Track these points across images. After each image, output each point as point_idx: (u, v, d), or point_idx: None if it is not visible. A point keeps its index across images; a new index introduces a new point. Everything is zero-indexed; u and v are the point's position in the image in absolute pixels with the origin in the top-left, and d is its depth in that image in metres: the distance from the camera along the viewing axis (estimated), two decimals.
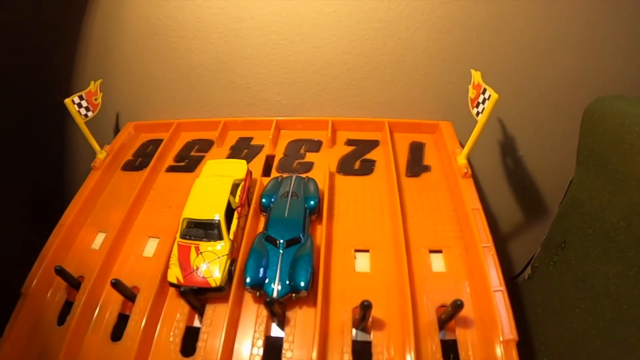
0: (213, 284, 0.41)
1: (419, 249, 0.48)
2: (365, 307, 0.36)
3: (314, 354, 0.37)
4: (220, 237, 0.44)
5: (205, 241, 0.44)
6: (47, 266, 0.47)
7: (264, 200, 0.51)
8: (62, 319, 0.44)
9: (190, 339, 0.41)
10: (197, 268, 0.42)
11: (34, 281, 0.46)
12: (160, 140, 0.64)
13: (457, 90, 0.67)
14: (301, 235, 0.46)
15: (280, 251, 0.44)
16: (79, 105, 0.54)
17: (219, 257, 0.43)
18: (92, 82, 0.57)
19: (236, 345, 0.40)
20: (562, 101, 0.68)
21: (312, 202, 0.50)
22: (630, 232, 0.57)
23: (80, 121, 0.54)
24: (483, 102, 0.50)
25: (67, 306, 0.45)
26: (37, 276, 0.46)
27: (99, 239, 0.52)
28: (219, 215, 0.45)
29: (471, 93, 0.54)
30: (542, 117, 0.71)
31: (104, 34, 0.64)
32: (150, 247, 0.50)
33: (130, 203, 0.53)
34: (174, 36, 0.62)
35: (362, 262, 0.48)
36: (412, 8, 0.59)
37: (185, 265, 0.43)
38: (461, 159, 0.56)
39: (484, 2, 0.58)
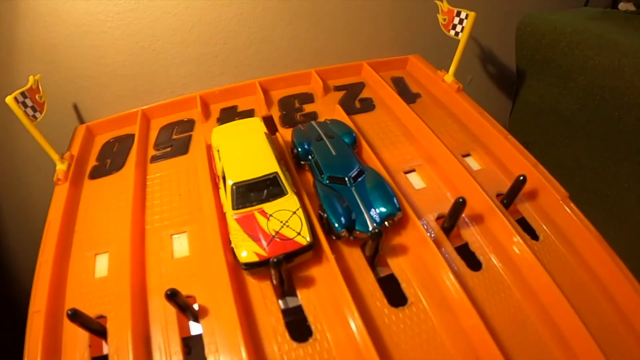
0: (304, 242, 0.35)
1: (455, 156, 0.48)
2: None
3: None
4: (284, 192, 0.38)
5: (269, 202, 0.37)
6: (49, 321, 0.35)
7: (299, 149, 0.45)
8: None
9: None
10: (276, 232, 0.35)
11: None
12: (126, 136, 0.53)
13: (416, 27, 0.69)
14: (361, 166, 0.42)
15: (352, 187, 0.40)
16: (24, 105, 0.41)
17: (294, 212, 0.37)
18: (31, 78, 0.43)
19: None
20: (495, 24, 0.78)
21: (349, 137, 0.47)
22: (586, 111, 0.69)
23: (30, 124, 0.41)
24: (460, 23, 0.56)
25: None
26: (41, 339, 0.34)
27: (102, 262, 0.40)
28: (275, 169, 0.38)
29: (441, 20, 0.59)
30: (480, 40, 0.78)
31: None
32: (180, 246, 0.41)
33: (130, 205, 0.42)
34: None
35: (415, 181, 0.47)
36: None
37: (259, 235, 0.35)
38: (449, 78, 0.60)
39: None
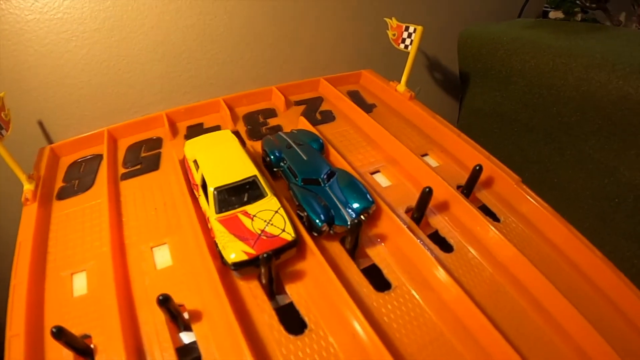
0: (290, 238, 0.37)
1: (415, 155, 0.52)
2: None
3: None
4: (264, 194, 0.40)
5: (251, 204, 0.39)
6: (30, 344, 0.33)
7: (272, 157, 0.47)
8: None
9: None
10: (262, 231, 0.37)
11: None
12: (92, 157, 0.52)
13: (368, 44, 0.76)
14: (331, 168, 0.45)
15: (326, 187, 0.43)
16: None
17: (276, 212, 0.39)
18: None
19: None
20: (438, 37, 0.86)
21: (317, 144, 0.50)
22: (527, 110, 0.78)
23: None
24: (409, 36, 0.62)
25: None
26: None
27: (80, 281, 0.39)
28: (254, 172, 0.40)
29: (391, 35, 0.65)
30: (426, 53, 0.87)
31: None
32: (162, 257, 0.41)
33: (107, 222, 0.41)
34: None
35: (381, 180, 0.51)
36: None
37: (246, 235, 0.37)
38: (401, 87, 0.65)
39: None
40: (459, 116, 0.91)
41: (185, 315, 0.36)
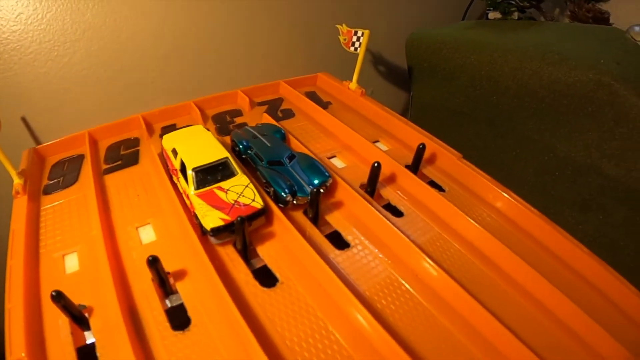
0: (259, 206, 0.43)
1: (367, 141, 0.60)
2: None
3: None
4: (235, 173, 0.46)
5: (224, 181, 0.45)
6: (28, 314, 0.37)
7: (240, 146, 0.54)
8: None
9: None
10: (235, 201, 0.43)
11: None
12: (75, 157, 0.57)
13: (322, 49, 0.84)
14: (292, 152, 0.52)
15: (288, 166, 0.49)
16: None
17: (246, 186, 0.45)
18: None
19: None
20: (388, 41, 0.95)
21: (279, 134, 0.57)
22: (470, 101, 0.87)
23: None
24: (358, 40, 0.70)
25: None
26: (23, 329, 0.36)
27: (71, 260, 0.44)
28: (225, 155, 0.46)
29: (342, 40, 0.73)
30: (377, 56, 0.96)
31: None
32: (146, 235, 0.46)
33: (95, 202, 0.46)
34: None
35: (337, 163, 0.58)
36: None
37: (221, 205, 0.43)
38: (353, 85, 0.73)
39: None
40: (410, 112, 1.01)
41: (171, 281, 0.41)
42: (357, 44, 0.70)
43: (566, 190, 0.77)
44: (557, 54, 0.70)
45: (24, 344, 0.34)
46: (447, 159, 0.58)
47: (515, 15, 0.97)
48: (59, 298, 0.36)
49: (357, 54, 0.70)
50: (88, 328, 0.38)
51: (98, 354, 0.35)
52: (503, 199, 0.52)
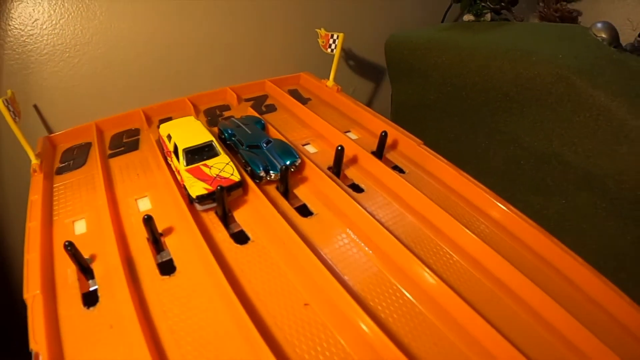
0: (237, 179, 0.52)
1: (339, 131, 0.68)
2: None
3: None
4: (218, 153, 0.55)
5: (209, 159, 0.54)
6: (43, 260, 0.46)
7: (225, 134, 0.62)
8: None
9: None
10: (216, 175, 0.52)
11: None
12: (83, 144, 0.65)
13: (306, 50, 0.93)
14: (269, 138, 0.61)
15: (264, 149, 0.58)
16: (8, 109, 0.53)
17: (227, 164, 0.53)
18: (9, 91, 0.55)
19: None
20: (370, 43, 1.04)
21: (260, 124, 0.65)
22: (443, 98, 0.94)
23: (14, 124, 0.53)
24: (334, 42, 0.78)
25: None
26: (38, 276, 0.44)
27: (80, 225, 0.52)
28: (210, 138, 0.55)
29: (321, 42, 0.82)
30: (358, 58, 1.05)
31: None
32: (144, 204, 0.55)
33: (102, 179, 0.55)
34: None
35: (310, 149, 0.67)
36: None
37: (205, 177, 0.51)
38: (330, 83, 0.81)
39: None
40: (391, 110, 1.09)
41: (163, 240, 0.50)
42: (333, 46, 0.79)
43: (531, 177, 0.82)
44: (519, 51, 0.76)
45: (39, 284, 0.42)
46: (408, 145, 0.66)
47: (488, 17, 1.02)
48: (70, 247, 0.44)
49: (334, 55, 0.78)
50: (92, 277, 0.46)
51: (99, 295, 0.44)
52: (458, 179, 0.59)
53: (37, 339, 0.37)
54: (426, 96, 0.97)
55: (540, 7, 1.05)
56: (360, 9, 1.04)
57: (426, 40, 0.93)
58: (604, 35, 0.78)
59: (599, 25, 0.79)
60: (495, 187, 0.84)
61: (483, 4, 1.00)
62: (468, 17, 1.03)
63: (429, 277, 0.44)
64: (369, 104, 1.16)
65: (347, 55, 1.08)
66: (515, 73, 0.76)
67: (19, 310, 0.44)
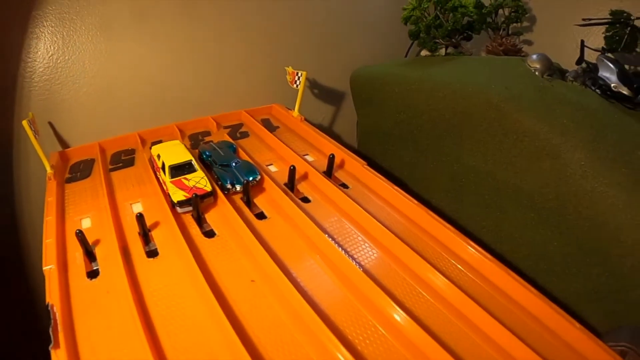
0: (208, 189, 0.68)
1: (297, 154, 0.85)
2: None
3: None
4: (196, 169, 0.71)
5: (188, 174, 0.70)
6: (58, 245, 0.61)
7: (204, 155, 0.79)
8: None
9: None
10: (193, 186, 0.67)
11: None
12: (88, 160, 0.81)
13: (278, 84, 1.11)
14: (238, 159, 0.77)
15: (233, 168, 0.74)
16: (31, 128, 0.69)
17: (202, 177, 0.70)
18: (30, 113, 0.72)
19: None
20: (336, 78, 1.23)
21: (232, 148, 0.81)
22: (398, 125, 1.06)
23: (35, 140, 0.69)
24: (298, 79, 0.95)
25: None
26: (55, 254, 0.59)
27: (86, 221, 0.67)
28: (190, 158, 0.71)
29: (289, 78, 0.98)
30: (328, 90, 1.23)
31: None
32: (137, 207, 0.70)
33: (104, 187, 0.71)
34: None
35: (272, 168, 0.82)
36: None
37: (184, 187, 0.67)
38: (295, 113, 0.98)
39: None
40: (357, 136, 1.26)
41: (151, 235, 0.65)
42: (298, 82, 0.96)
43: (472, 193, 0.91)
44: (458, 83, 0.86)
45: (55, 260, 0.57)
46: (354, 166, 0.81)
47: (442, 51, 1.11)
48: (80, 234, 0.59)
49: (298, 90, 0.96)
50: (94, 260, 0.61)
51: (100, 272, 0.59)
52: (396, 196, 0.72)
53: (52, 296, 0.52)
54: (384, 124, 1.10)
55: (488, 42, 1.16)
56: (332, 47, 1.23)
57: (383, 74, 1.07)
58: (537, 66, 0.86)
59: (534, 57, 0.88)
60: (442, 202, 0.99)
61: (436, 40, 1.10)
62: (425, 52, 1.14)
63: (355, 269, 0.58)
64: (339, 130, 1.33)
65: (317, 86, 1.25)
66: (455, 102, 0.86)
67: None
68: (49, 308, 0.50)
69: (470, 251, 0.62)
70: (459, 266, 0.62)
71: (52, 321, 0.48)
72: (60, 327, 0.47)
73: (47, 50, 0.89)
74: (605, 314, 0.71)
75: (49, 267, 0.56)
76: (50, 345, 0.45)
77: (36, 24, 0.86)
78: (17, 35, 0.85)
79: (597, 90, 0.84)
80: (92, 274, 0.58)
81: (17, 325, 1.02)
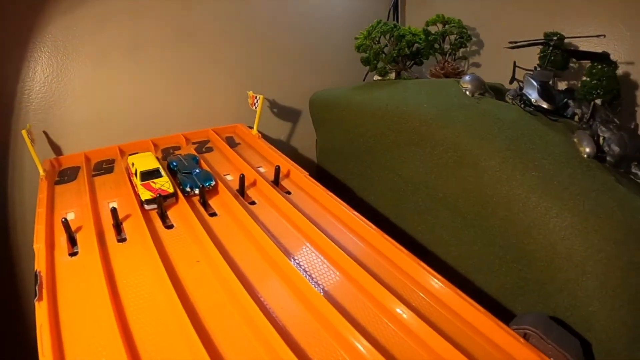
0: (171, 190, 0.85)
1: (252, 167, 1.02)
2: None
3: None
4: (162, 175, 0.88)
5: (155, 179, 0.87)
6: (47, 231, 0.77)
7: (171, 165, 0.96)
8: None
9: None
10: (159, 188, 0.84)
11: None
12: (74, 167, 0.97)
13: (241, 108, 1.29)
14: (199, 168, 0.94)
15: (193, 175, 0.91)
16: (29, 137, 0.85)
17: (167, 181, 0.87)
18: (28, 125, 0.89)
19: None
20: (298, 101, 1.42)
21: (195, 159, 0.99)
22: (350, 143, 1.19)
23: (32, 148, 0.85)
24: (257, 101, 1.13)
25: None
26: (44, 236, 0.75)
27: (70, 215, 0.84)
28: (158, 166, 0.88)
29: (250, 101, 1.16)
30: (290, 111, 1.42)
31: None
32: (113, 205, 0.86)
33: (87, 188, 0.87)
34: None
35: (229, 177, 0.99)
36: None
37: (152, 189, 0.84)
38: (254, 132, 1.16)
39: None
40: (316, 153, 1.43)
41: (122, 226, 0.81)
42: (256, 104, 1.14)
43: (408, 201, 1.00)
44: (395, 104, 0.97)
45: (43, 240, 0.73)
46: (297, 176, 0.98)
47: (392, 75, 1.20)
48: (65, 222, 0.74)
49: (256, 111, 1.14)
50: (75, 244, 0.77)
51: (79, 252, 0.74)
52: (330, 201, 0.85)
53: (40, 266, 0.67)
54: (337, 142, 1.25)
55: (431, 67, 1.24)
56: (295, 72, 1.42)
57: (335, 97, 1.22)
58: (468, 86, 0.96)
59: (466, 78, 0.97)
60: (385, 209, 1.12)
61: (387, 65, 1.20)
62: (376, 77, 1.22)
63: (294, 267, 0.76)
64: (300, 147, 1.51)
65: (279, 108, 1.42)
66: (392, 121, 0.97)
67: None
68: (37, 273, 0.66)
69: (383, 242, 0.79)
70: (380, 259, 0.79)
71: (39, 281, 0.63)
72: (44, 286, 0.63)
73: (42, 72, 1.06)
74: (531, 307, 0.77)
75: (38, 245, 0.72)
76: (35, 298, 0.60)
77: (34, 49, 1.04)
78: (17, 60, 1.02)
79: (522, 105, 0.93)
80: (73, 254, 0.74)
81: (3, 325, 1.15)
